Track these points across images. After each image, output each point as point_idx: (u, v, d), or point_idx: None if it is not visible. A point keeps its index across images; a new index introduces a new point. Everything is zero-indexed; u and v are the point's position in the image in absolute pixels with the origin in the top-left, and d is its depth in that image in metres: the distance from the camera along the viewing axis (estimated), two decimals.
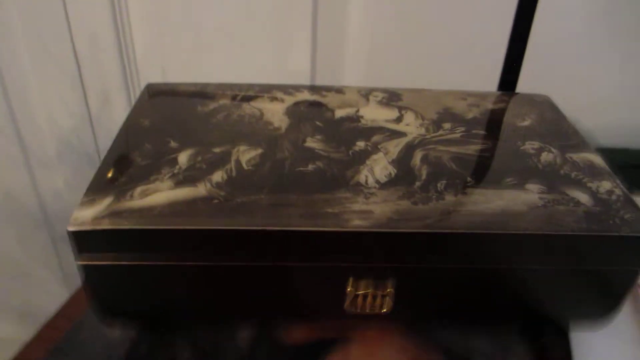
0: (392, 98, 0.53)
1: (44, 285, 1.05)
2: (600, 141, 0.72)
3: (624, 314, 0.44)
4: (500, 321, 0.46)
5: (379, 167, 0.42)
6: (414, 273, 0.40)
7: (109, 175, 0.40)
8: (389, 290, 0.40)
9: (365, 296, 0.40)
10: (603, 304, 0.43)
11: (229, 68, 0.75)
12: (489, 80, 0.60)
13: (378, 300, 0.40)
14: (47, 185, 0.95)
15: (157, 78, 0.78)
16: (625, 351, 0.46)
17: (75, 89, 0.83)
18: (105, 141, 0.87)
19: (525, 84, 0.58)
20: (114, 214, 0.36)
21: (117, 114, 0.85)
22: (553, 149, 0.46)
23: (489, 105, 0.53)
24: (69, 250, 0.37)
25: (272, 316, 0.45)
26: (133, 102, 0.82)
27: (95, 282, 0.39)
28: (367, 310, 0.41)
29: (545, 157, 0.45)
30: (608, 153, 0.69)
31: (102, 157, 0.90)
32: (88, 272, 0.38)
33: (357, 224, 0.36)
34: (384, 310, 0.41)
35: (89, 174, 0.92)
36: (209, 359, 0.44)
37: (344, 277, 0.40)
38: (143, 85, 0.79)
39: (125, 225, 0.36)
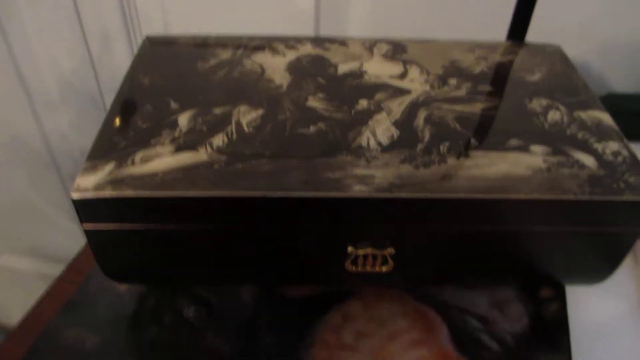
0: (396, 51, 0.52)
1: (56, 222, 1.08)
2: (612, 87, 0.70)
3: (619, 269, 0.44)
4: (499, 281, 0.47)
5: (381, 129, 0.41)
6: (415, 235, 0.40)
7: (110, 139, 0.40)
8: (389, 250, 0.40)
9: (365, 256, 0.41)
10: (602, 264, 0.43)
11: (232, 10, 0.73)
12: (499, 28, 0.58)
13: (379, 260, 0.41)
14: (52, 127, 0.95)
15: (157, 15, 0.76)
16: (619, 305, 0.47)
17: (74, 30, 0.82)
18: (108, 83, 0.87)
19: (535, 31, 0.57)
20: (115, 181, 0.37)
21: (118, 56, 0.84)
22: (561, 107, 0.45)
23: (498, 57, 0.52)
24: None
25: (274, 278, 0.46)
26: (133, 45, 0.81)
27: (100, 246, 0.40)
28: (368, 269, 0.42)
29: (552, 115, 0.44)
30: (620, 99, 0.68)
31: (105, 99, 0.89)
32: (92, 237, 0.39)
33: (358, 189, 0.36)
34: (384, 269, 0.42)
35: (93, 116, 0.93)
36: (214, 313, 0.45)
37: (344, 238, 0.40)
38: (143, 25, 0.78)
39: (127, 192, 0.36)
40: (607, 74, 0.70)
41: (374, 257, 0.41)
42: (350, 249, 0.40)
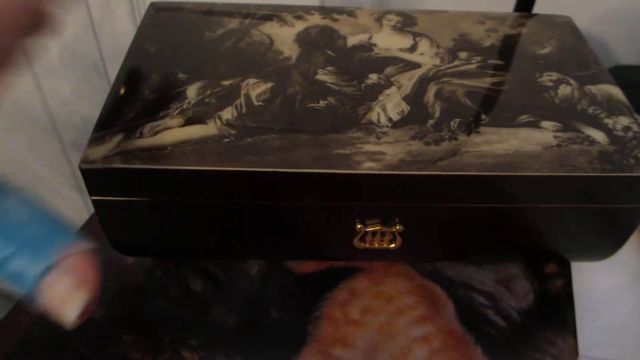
0: (406, 23, 0.51)
1: (59, 191, 1.08)
2: (621, 59, 0.70)
3: (625, 246, 0.45)
4: (506, 258, 0.47)
5: (391, 104, 0.41)
6: (424, 211, 0.40)
7: (117, 109, 0.40)
8: (397, 227, 0.40)
9: (374, 233, 0.41)
10: (609, 239, 0.44)
11: None
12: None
13: (387, 237, 0.41)
14: (53, 93, 0.94)
15: None
16: (624, 280, 0.47)
17: None
18: (109, 49, 0.86)
19: (544, 2, 0.56)
20: (124, 153, 0.36)
21: (119, 21, 0.83)
22: (571, 81, 0.45)
23: (508, 29, 0.51)
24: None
25: (282, 253, 0.46)
26: (135, 10, 0.79)
27: (108, 217, 0.40)
28: (376, 246, 0.42)
29: (563, 90, 0.44)
30: (627, 71, 0.67)
31: (107, 66, 0.88)
32: (100, 208, 0.39)
33: (368, 166, 0.36)
34: (393, 246, 0.42)
35: (95, 83, 0.91)
36: (221, 286, 0.45)
37: (353, 215, 0.40)
38: None
39: (136, 164, 0.36)
40: (613, 45, 0.69)
41: (383, 234, 0.41)
42: (358, 225, 0.40)
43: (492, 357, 0.41)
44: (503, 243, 0.45)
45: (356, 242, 0.42)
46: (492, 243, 0.45)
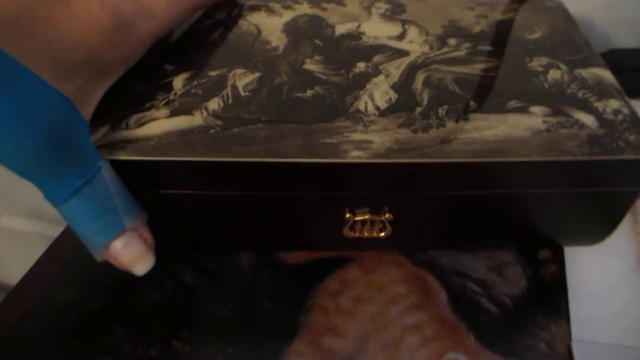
0: (395, 10, 0.50)
1: None
2: (614, 42, 0.69)
3: (618, 230, 0.44)
4: (498, 245, 0.47)
5: (379, 92, 0.41)
6: (413, 200, 0.40)
7: (104, 101, 0.39)
8: (387, 216, 0.40)
9: (363, 222, 0.41)
10: (601, 224, 0.43)
11: None
12: None
13: (377, 226, 0.41)
14: None
15: None
16: (618, 265, 0.47)
17: None
18: None
19: None
20: (110, 144, 0.36)
21: None
22: (562, 65, 0.44)
23: (498, 15, 0.51)
24: None
25: (271, 244, 0.46)
26: None
27: None
28: (366, 234, 0.42)
29: (553, 74, 0.43)
30: (622, 54, 0.67)
31: None
32: None
33: (355, 154, 0.36)
34: (383, 235, 0.42)
35: None
36: (213, 278, 0.45)
37: (342, 204, 0.40)
38: None
39: (122, 155, 0.36)
40: (609, 29, 0.68)
41: (372, 222, 0.41)
42: (348, 215, 0.40)
43: (485, 343, 0.41)
44: (494, 230, 0.44)
45: (346, 231, 0.42)
46: (483, 230, 0.44)
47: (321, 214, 0.41)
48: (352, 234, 0.42)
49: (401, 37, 0.47)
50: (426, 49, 0.45)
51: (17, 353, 0.40)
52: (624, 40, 0.69)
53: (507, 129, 0.38)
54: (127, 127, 0.37)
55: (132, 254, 0.35)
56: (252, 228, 0.43)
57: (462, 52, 0.45)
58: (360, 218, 0.40)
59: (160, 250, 0.37)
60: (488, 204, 0.41)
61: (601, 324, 0.43)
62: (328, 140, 0.37)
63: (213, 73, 0.42)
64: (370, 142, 0.37)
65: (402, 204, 0.40)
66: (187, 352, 0.41)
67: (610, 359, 0.40)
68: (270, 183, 0.38)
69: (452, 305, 0.43)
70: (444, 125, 0.38)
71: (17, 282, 0.46)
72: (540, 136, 0.38)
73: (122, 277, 0.44)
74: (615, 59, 0.66)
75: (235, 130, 0.37)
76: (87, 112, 0.36)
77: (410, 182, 0.38)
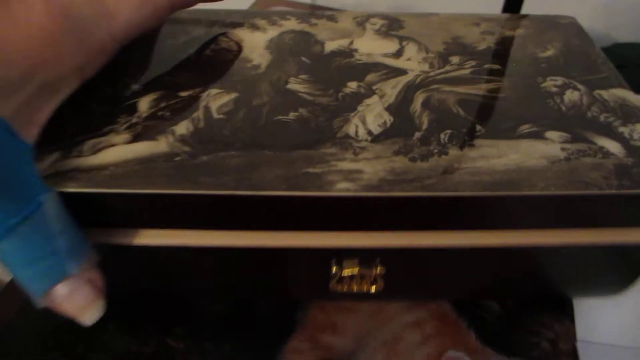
0: (392, 26, 0.46)
1: None
2: (617, 37, 0.66)
3: None
4: (503, 297, 0.42)
5: (372, 115, 0.36)
6: (407, 249, 0.34)
7: (58, 124, 0.34)
8: (378, 269, 0.35)
9: (352, 277, 0.35)
10: (622, 273, 0.38)
11: None
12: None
13: (367, 279, 0.35)
14: None
15: None
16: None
17: None
18: None
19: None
20: (59, 174, 0.31)
21: None
22: (579, 86, 0.39)
23: (506, 31, 0.46)
24: None
25: (247, 293, 0.41)
26: None
27: None
28: (355, 289, 0.36)
29: (570, 96, 0.38)
30: (628, 48, 0.63)
31: None
32: None
33: (343, 186, 0.31)
34: (374, 289, 0.37)
35: None
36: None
37: (328, 254, 0.34)
38: None
39: (71, 187, 0.31)
40: (611, 24, 0.65)
41: (362, 277, 0.36)
42: (334, 268, 0.35)
43: (486, 341, 0.39)
44: (502, 279, 0.39)
45: (333, 285, 0.36)
46: (489, 282, 0.39)
47: (304, 266, 0.36)
48: (339, 288, 0.36)
49: (398, 54, 0.42)
50: (426, 67, 0.40)
51: (10, 350, 0.39)
52: (625, 35, 0.66)
53: (519, 157, 0.33)
54: (81, 154, 0.32)
55: (77, 302, 0.29)
56: (223, 274, 0.37)
57: (466, 71, 0.40)
58: (349, 273, 0.35)
59: (115, 297, 0.31)
60: (494, 253, 0.35)
61: (608, 325, 0.40)
62: (311, 170, 0.31)
63: (184, 93, 0.37)
64: (361, 171, 0.31)
65: (395, 254, 0.34)
66: (182, 349, 0.39)
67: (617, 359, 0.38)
68: (242, 221, 0.32)
69: (452, 301, 0.42)
70: (446, 153, 0.33)
71: (9, 279, 0.43)
72: (559, 166, 0.33)
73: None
74: (620, 53, 0.63)
75: (204, 157, 0.32)
76: (31, 133, 0.31)
77: (407, 219, 0.33)
